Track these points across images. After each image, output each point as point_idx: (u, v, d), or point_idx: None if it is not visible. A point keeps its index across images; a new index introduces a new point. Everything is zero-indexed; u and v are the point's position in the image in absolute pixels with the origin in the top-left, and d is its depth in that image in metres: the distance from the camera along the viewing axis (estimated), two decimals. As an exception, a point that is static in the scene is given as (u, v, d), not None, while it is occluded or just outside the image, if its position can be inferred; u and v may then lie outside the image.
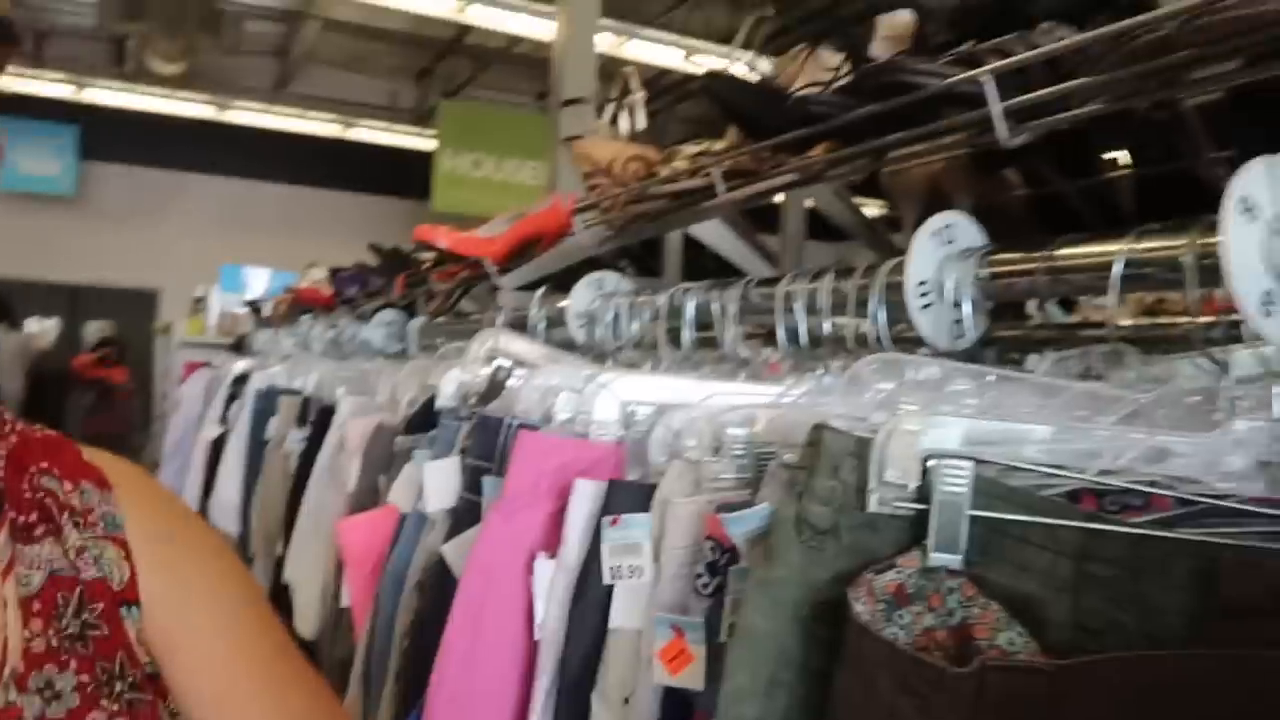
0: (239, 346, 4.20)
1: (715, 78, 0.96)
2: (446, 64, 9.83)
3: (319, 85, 9.33)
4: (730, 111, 0.98)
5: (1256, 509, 0.56)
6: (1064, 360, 0.68)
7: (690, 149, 1.20)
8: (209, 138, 8.44)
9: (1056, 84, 0.69)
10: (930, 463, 0.50)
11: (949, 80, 0.70)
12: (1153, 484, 0.57)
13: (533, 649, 0.79)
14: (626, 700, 0.70)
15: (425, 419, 1.26)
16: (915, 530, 0.53)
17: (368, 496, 1.37)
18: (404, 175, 9.44)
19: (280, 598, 1.62)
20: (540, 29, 6.93)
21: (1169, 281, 0.65)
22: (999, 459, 0.53)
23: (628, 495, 0.74)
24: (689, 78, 9.13)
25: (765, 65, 1.24)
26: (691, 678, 0.64)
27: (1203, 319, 1.16)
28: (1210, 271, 0.59)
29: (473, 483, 0.94)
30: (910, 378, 0.73)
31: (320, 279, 3.31)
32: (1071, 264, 0.67)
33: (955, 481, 0.49)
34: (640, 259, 2.08)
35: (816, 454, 0.55)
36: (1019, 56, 0.68)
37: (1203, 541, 0.53)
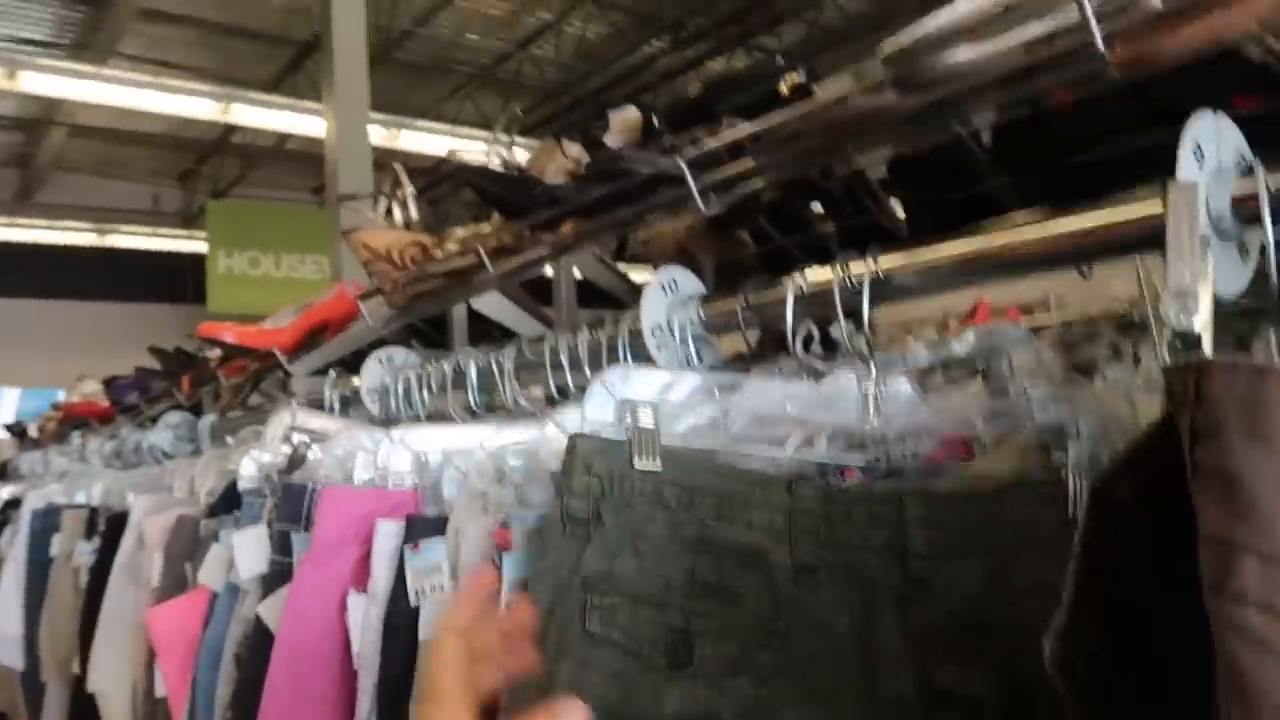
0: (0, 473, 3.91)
1: (471, 170, 1.11)
2: (212, 164, 9.55)
3: (69, 193, 8.82)
4: (489, 199, 1.14)
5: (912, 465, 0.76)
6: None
7: (460, 232, 1.34)
8: (-55, 255, 7.81)
9: (737, 166, 0.90)
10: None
11: (656, 165, 0.89)
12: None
13: (352, 678, 0.88)
14: (440, 704, 0.81)
15: (228, 502, 1.31)
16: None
17: (174, 589, 1.39)
18: (175, 280, 9.03)
19: (86, 714, 1.59)
20: (309, 126, 6.94)
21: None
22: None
23: (425, 526, 0.86)
24: (448, 159, 9.35)
25: (520, 154, 1.41)
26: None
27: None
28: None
29: (282, 545, 1.02)
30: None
31: (93, 391, 3.18)
32: (760, 302, 0.87)
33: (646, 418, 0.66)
34: (427, 335, 2.20)
35: (572, 459, 0.70)
36: (705, 147, 0.88)
37: (875, 492, 0.73)
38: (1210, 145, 0.59)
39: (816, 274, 0.88)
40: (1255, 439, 0.35)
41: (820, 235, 1.51)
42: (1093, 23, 0.60)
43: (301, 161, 9.54)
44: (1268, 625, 0.34)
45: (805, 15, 7.92)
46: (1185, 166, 0.54)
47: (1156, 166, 1.14)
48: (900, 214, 1.42)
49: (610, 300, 1.92)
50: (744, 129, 0.86)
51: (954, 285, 0.90)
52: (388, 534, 0.87)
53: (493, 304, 1.81)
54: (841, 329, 0.78)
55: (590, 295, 1.97)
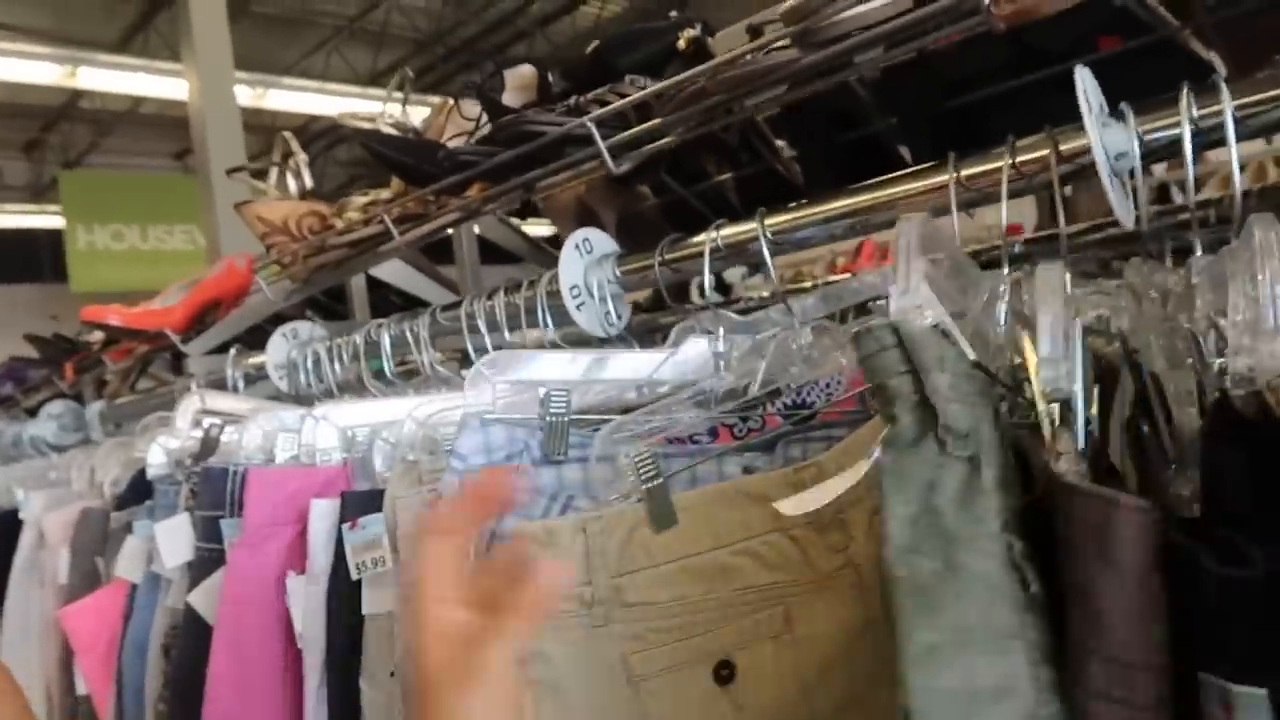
0: None
1: (371, 136, 1.09)
2: (60, 132, 8.95)
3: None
4: (391, 165, 1.12)
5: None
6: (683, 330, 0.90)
7: (360, 200, 1.32)
8: None
9: (642, 124, 0.91)
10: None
11: (563, 128, 0.89)
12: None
13: (297, 658, 0.88)
14: (392, 674, 0.82)
15: (137, 492, 1.28)
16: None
17: (85, 585, 1.34)
18: (29, 258, 8.47)
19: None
20: (166, 88, 6.56)
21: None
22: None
23: (360, 501, 0.86)
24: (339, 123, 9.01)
25: (414, 114, 1.38)
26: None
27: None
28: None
29: (208, 532, 1.00)
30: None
31: (-43, 385, 2.99)
32: (674, 256, 0.89)
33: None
34: (326, 307, 2.15)
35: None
36: (610, 106, 0.89)
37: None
38: (1093, 95, 0.63)
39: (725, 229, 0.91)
40: (1103, 562, 0.39)
41: (718, 185, 1.54)
42: (981, -21, 0.63)
43: (160, 126, 9.02)
44: (1108, 712, 0.40)
45: (677, -44, 7.87)
46: (1088, 119, 0.59)
47: (1030, 105, 1.20)
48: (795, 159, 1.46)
49: (508, 256, 1.92)
50: (651, 89, 0.87)
51: (849, 235, 0.94)
52: (323, 513, 0.87)
53: (393, 270, 1.79)
54: (772, 274, 0.81)
55: (488, 252, 1.96)
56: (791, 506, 0.64)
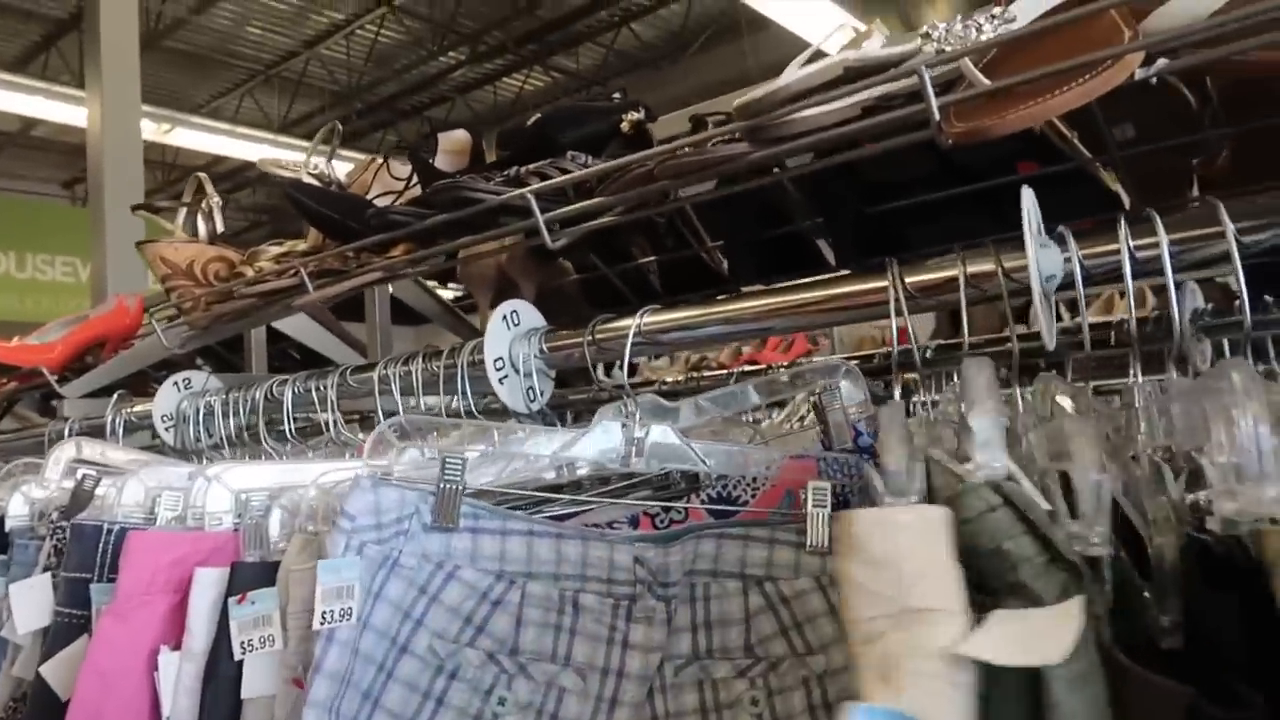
0: None
1: (298, 188, 1.05)
2: (-61, 149, 8.50)
3: None
4: (312, 217, 1.08)
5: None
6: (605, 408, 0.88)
7: (274, 249, 1.27)
8: None
9: (582, 200, 0.90)
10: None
11: (503, 197, 0.87)
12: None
13: (161, 742, 0.80)
14: (269, 767, 0.76)
15: (-9, 544, 1.17)
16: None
17: (-85, 643, 1.21)
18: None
19: None
20: (62, 113, 6.30)
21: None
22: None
23: (252, 574, 0.80)
24: (245, 165, 8.82)
25: (337, 168, 1.35)
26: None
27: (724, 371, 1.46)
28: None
29: (72, 596, 0.91)
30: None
31: None
32: (605, 337, 0.88)
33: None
34: (219, 356, 2.05)
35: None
36: (553, 181, 0.88)
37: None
38: (1034, 215, 0.65)
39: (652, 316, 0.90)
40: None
41: (640, 267, 1.54)
42: (931, 96, 0.65)
43: (51, 151, 8.65)
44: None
45: (602, 39, 8.07)
46: (1030, 241, 0.60)
47: (948, 219, 1.25)
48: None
49: (416, 317, 1.88)
50: (597, 168, 0.86)
51: (783, 332, 0.95)
52: (208, 583, 0.81)
53: (297, 324, 1.72)
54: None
55: (397, 312, 1.92)
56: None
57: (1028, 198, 0.63)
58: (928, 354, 1.35)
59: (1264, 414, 0.43)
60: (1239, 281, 0.63)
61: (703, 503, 0.83)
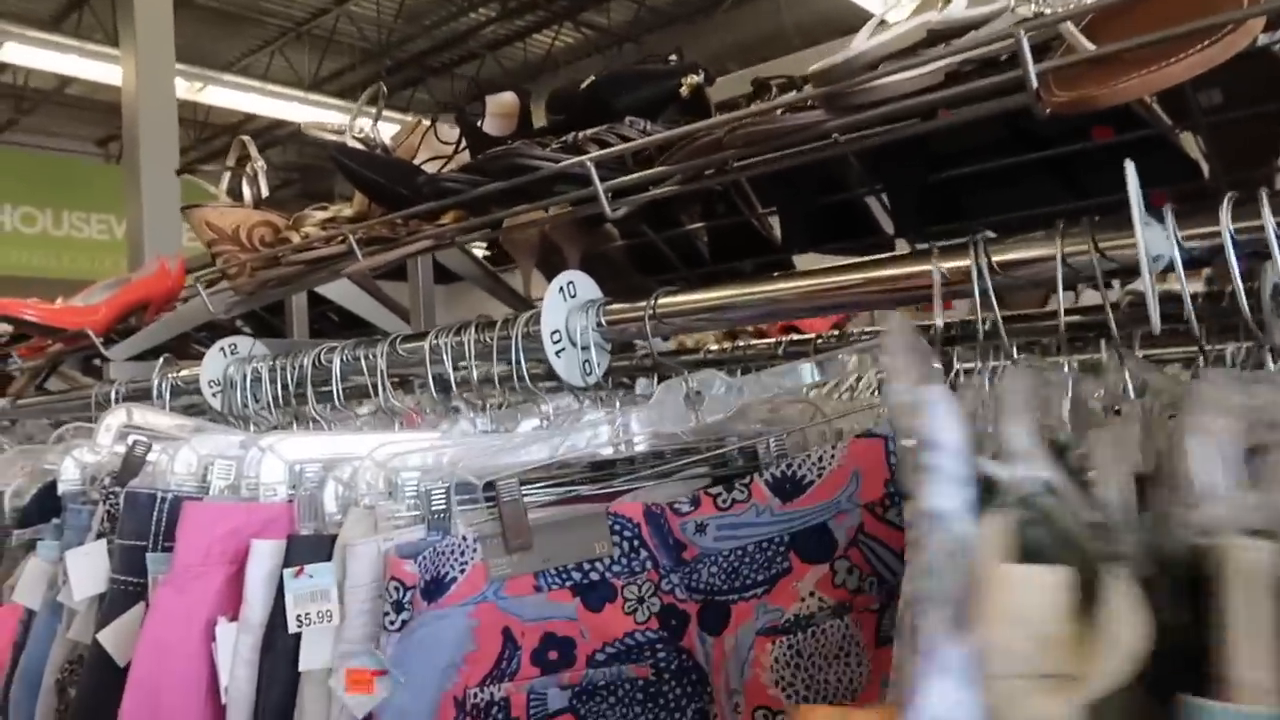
0: None
1: (344, 152, 1.03)
2: (-26, 106, 8.55)
3: None
4: (361, 183, 1.06)
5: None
6: (670, 387, 0.86)
7: (319, 215, 1.25)
8: None
9: (642, 168, 0.87)
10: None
11: (561, 165, 0.85)
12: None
13: (219, 714, 0.80)
14: (328, 737, 0.75)
15: (44, 508, 1.17)
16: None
17: (-30, 604, 1.23)
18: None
19: None
20: (96, 71, 6.30)
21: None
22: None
23: (308, 547, 0.79)
24: (276, 123, 8.81)
25: (383, 131, 1.33)
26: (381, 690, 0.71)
27: (768, 340, 1.43)
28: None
29: (128, 563, 0.91)
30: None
31: None
32: (667, 311, 0.85)
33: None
34: (260, 320, 2.05)
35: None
36: (615, 148, 0.85)
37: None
38: (1136, 193, 0.61)
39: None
40: None
41: (688, 233, 1.51)
42: (1029, 62, 0.62)
43: (86, 109, 8.67)
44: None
45: (635, -6, 7.95)
46: (1136, 217, 0.57)
47: (1014, 185, 1.20)
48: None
49: (452, 276, 1.86)
50: (662, 135, 0.83)
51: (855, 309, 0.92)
52: (264, 555, 0.80)
53: (339, 289, 1.71)
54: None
55: (435, 272, 1.90)
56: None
57: (1131, 175, 0.59)
58: (989, 326, 1.32)
59: (1235, 427, 0.41)
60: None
61: (766, 483, 0.81)
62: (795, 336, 1.55)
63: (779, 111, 0.76)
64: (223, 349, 1.29)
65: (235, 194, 1.36)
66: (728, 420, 0.83)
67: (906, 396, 0.48)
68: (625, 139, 0.87)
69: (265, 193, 1.27)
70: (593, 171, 0.83)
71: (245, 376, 1.24)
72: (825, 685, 0.79)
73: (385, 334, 1.11)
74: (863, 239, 1.33)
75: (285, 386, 1.19)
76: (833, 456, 0.80)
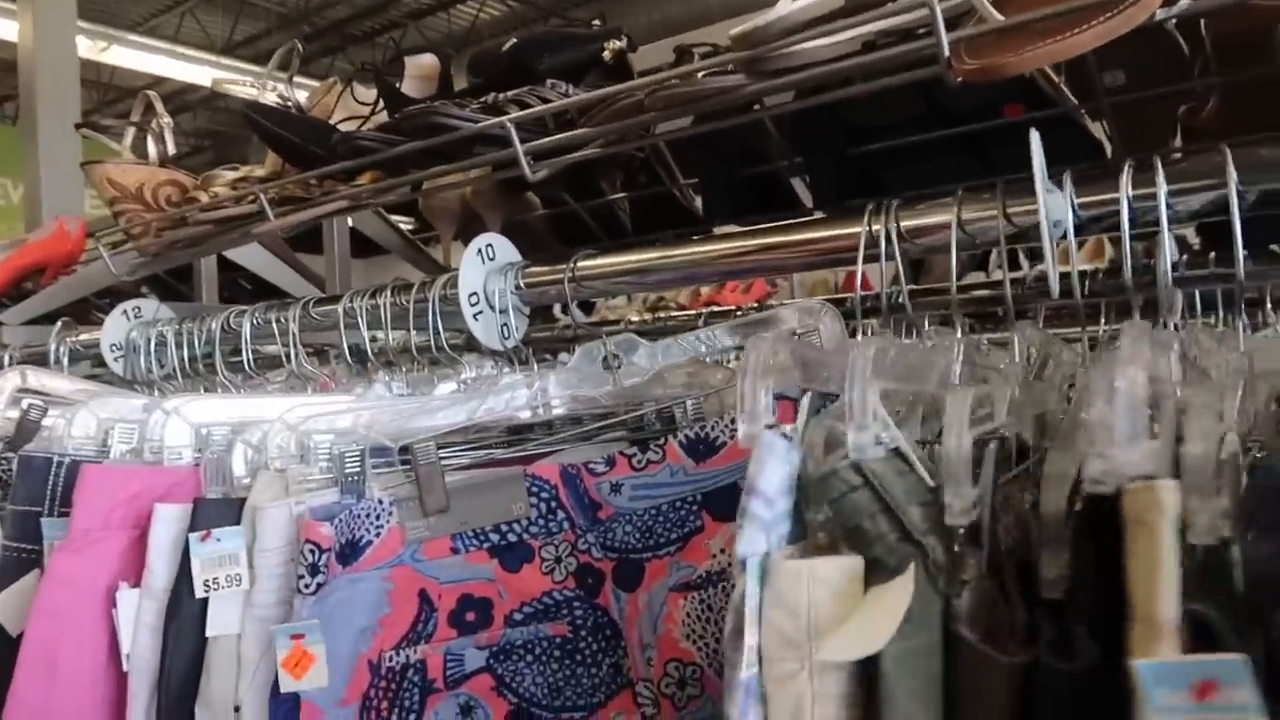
0: None
1: (257, 109, 1.00)
2: None
3: None
4: (274, 141, 1.03)
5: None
6: (589, 351, 0.86)
7: (229, 174, 1.21)
8: None
9: (562, 131, 0.87)
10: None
11: (480, 125, 0.83)
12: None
13: (120, 681, 0.78)
14: (237, 709, 0.74)
15: (-72, 475, 1.11)
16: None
17: None
18: None
19: None
20: (-9, 26, 5.97)
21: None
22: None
23: (216, 510, 0.77)
24: (187, 87, 8.47)
25: (297, 92, 1.29)
26: (315, 677, 0.70)
27: (689, 311, 1.44)
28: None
29: (21, 529, 0.87)
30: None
31: None
32: (587, 274, 0.85)
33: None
34: (166, 285, 1.98)
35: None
36: (536, 109, 0.84)
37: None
38: (1039, 159, 0.63)
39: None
40: None
41: (610, 203, 1.50)
42: (942, 31, 0.63)
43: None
44: None
45: (562, -32, 7.86)
46: (1039, 185, 0.58)
47: (929, 161, 1.23)
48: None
49: (374, 249, 1.82)
50: (584, 96, 0.83)
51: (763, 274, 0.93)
52: (168, 519, 0.77)
53: (250, 254, 1.66)
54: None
55: (354, 244, 1.86)
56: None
57: (1035, 142, 0.61)
58: (897, 299, 1.35)
59: (1141, 377, 0.43)
60: (1235, 233, 0.63)
61: (680, 444, 0.82)
62: (716, 308, 1.56)
63: (699, 75, 0.76)
64: (125, 312, 1.25)
65: (140, 153, 1.31)
66: (645, 384, 0.83)
67: (745, 429, 0.50)
68: (546, 101, 0.87)
69: (171, 150, 1.22)
70: (513, 132, 0.82)
71: (150, 340, 1.20)
72: (733, 638, 0.81)
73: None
74: (782, 212, 1.34)
75: (192, 351, 1.15)
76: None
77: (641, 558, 0.80)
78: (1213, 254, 0.98)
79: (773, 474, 0.47)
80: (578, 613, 0.79)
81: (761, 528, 0.47)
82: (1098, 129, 1.09)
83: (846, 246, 0.70)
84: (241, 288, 2.03)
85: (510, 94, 0.88)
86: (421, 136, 0.87)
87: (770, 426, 0.51)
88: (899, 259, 0.65)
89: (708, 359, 0.93)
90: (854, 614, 0.40)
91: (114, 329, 1.22)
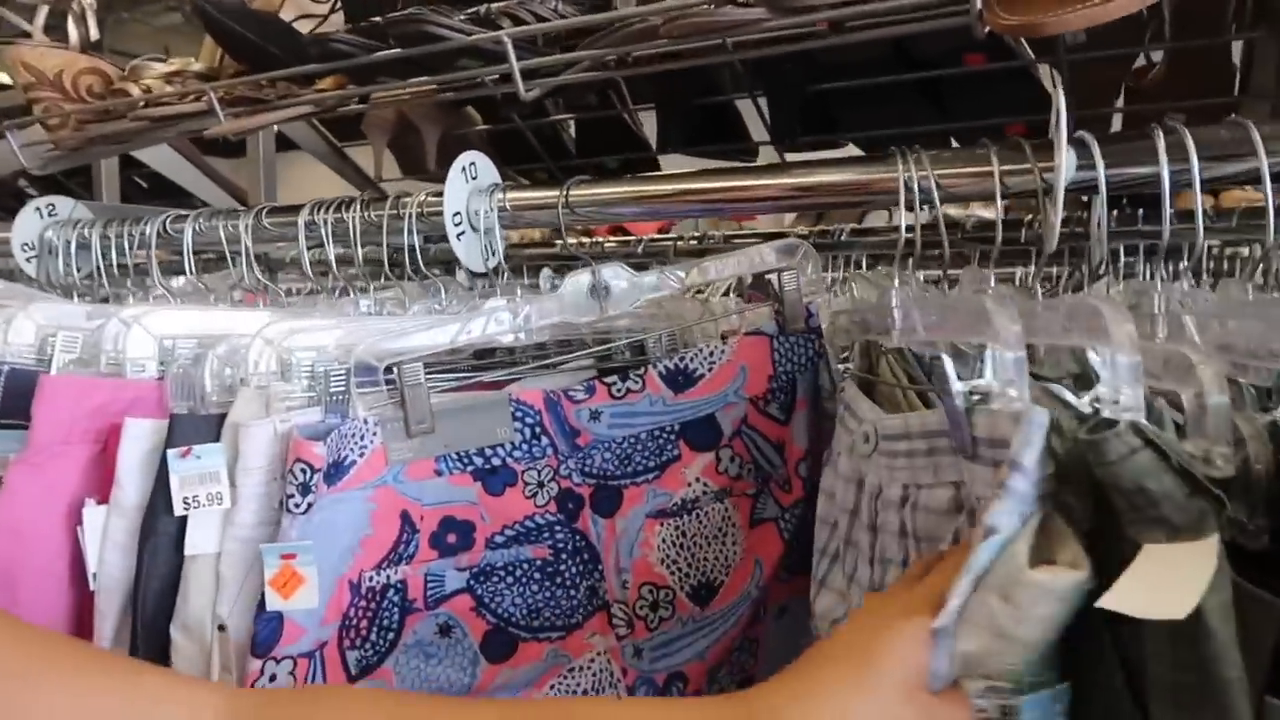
0: None
1: (213, 3, 0.93)
2: None
3: None
4: (226, 37, 0.96)
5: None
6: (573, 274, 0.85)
7: (160, 67, 1.12)
8: None
9: (549, 49, 0.85)
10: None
11: (475, 38, 0.80)
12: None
13: (85, 601, 0.75)
14: (222, 628, 0.72)
15: None
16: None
17: None
18: None
19: None
20: None
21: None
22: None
23: (194, 426, 0.74)
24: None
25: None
26: (305, 598, 0.69)
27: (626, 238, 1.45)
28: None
29: (-39, 442, 0.81)
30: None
31: None
32: (581, 200, 0.84)
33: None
34: (52, 180, 1.83)
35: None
36: (536, 26, 0.81)
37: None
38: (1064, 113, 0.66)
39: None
40: None
41: (555, 124, 1.48)
42: (972, -19, 0.64)
43: None
44: None
45: None
46: (1060, 137, 0.61)
47: (887, 105, 1.26)
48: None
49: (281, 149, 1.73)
50: (595, 16, 0.80)
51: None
52: (140, 434, 0.74)
53: (159, 155, 1.56)
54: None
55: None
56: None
57: (1059, 97, 0.64)
58: (841, 238, 1.38)
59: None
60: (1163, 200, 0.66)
61: (659, 375, 0.83)
62: (650, 236, 1.56)
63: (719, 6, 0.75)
64: (39, 209, 1.15)
65: (64, 35, 1.20)
66: (634, 316, 0.84)
67: (1011, 406, 0.50)
68: (540, 18, 0.84)
69: (95, 35, 1.12)
70: (510, 49, 0.79)
71: (70, 242, 1.11)
72: (705, 562, 0.84)
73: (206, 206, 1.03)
74: (733, 143, 1.35)
75: (121, 257, 1.08)
76: (723, 352, 0.84)
77: (619, 484, 0.82)
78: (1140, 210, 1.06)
79: (1037, 447, 0.46)
80: (559, 536, 0.80)
81: (1020, 502, 0.46)
82: (1050, 83, 1.14)
83: (884, 189, 0.71)
84: (137, 185, 1.90)
85: (500, 5, 0.85)
86: (407, 44, 0.83)
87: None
88: (938, 206, 0.67)
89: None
90: (1130, 575, 0.41)
91: (26, 226, 1.13)
